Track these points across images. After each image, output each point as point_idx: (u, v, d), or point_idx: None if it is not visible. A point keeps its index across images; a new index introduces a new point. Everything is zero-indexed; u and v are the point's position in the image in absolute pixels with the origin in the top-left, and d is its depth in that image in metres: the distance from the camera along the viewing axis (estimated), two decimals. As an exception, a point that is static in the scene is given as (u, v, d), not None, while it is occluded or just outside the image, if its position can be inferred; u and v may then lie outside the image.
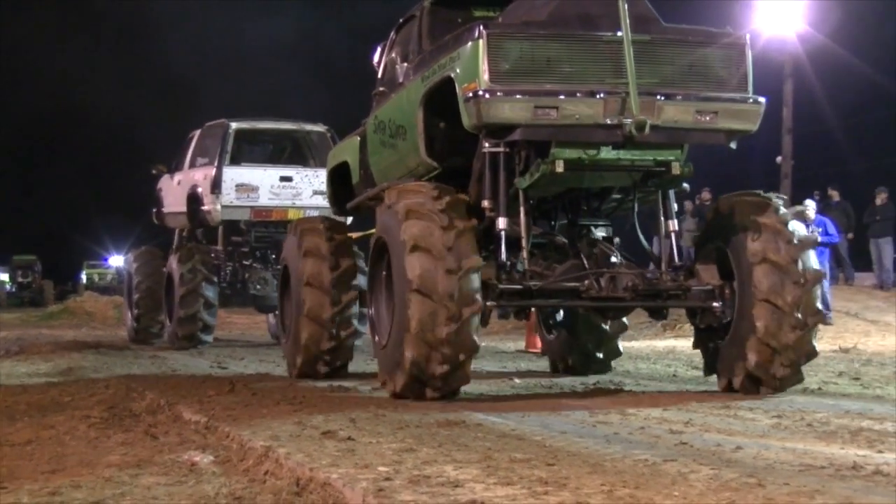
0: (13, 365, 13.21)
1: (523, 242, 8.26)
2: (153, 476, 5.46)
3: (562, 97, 7.71)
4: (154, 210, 19.39)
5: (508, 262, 8.14)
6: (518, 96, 7.69)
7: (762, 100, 8.12)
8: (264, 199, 16.79)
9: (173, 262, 16.35)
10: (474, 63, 7.76)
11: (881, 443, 5.82)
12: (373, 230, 12.85)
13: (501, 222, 8.11)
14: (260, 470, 5.28)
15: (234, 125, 17.00)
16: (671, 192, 8.74)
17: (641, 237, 9.25)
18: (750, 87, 8.09)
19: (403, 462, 5.05)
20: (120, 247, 60.36)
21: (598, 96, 7.72)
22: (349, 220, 13.28)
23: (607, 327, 10.57)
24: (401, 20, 10.10)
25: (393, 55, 9.87)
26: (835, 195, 23.13)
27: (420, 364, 7.57)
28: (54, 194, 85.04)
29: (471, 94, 7.74)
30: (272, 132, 18.14)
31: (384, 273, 8.50)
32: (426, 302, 7.44)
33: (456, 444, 5.72)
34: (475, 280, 7.60)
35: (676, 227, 8.71)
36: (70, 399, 9.19)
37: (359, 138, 10.67)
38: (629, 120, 7.65)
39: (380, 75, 10.33)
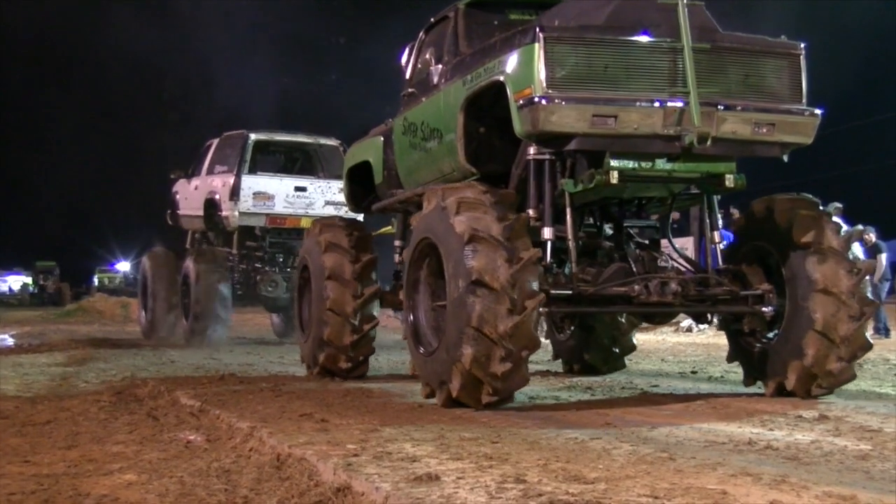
0: (35, 356, 13.07)
1: (571, 247, 6.93)
2: (154, 451, 5.44)
3: (621, 106, 6.43)
4: (169, 211, 18.54)
5: (554, 267, 6.97)
6: (576, 104, 6.37)
7: (818, 112, 6.89)
8: (279, 207, 15.93)
9: (189, 263, 15.56)
10: (529, 67, 6.46)
11: (772, 422, 5.86)
12: (387, 228, 12.21)
13: (547, 232, 6.82)
14: (245, 447, 5.26)
15: (253, 136, 16.17)
16: (715, 200, 7.42)
17: (670, 240, 7.98)
18: (804, 99, 6.87)
19: (369, 441, 5.03)
20: (127, 254, 60.05)
21: (657, 105, 6.48)
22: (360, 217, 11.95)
23: (623, 321, 9.30)
24: (431, 20, 8.69)
25: (426, 56, 8.50)
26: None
27: (480, 361, 6.15)
28: (72, 207, 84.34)
29: (525, 101, 6.45)
30: (288, 144, 17.26)
31: (427, 278, 7.20)
32: (487, 294, 6.11)
33: (414, 425, 5.70)
34: (534, 271, 6.32)
35: (720, 239, 7.44)
36: (84, 385, 9.11)
37: (382, 138, 9.26)
38: (690, 131, 6.46)
39: (408, 76, 8.90)
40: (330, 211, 15.48)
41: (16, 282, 65.88)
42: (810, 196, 7.33)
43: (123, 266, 62.42)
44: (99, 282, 61.03)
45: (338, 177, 15.24)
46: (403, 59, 9.07)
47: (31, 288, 61.94)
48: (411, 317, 7.25)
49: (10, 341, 17.51)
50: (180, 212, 17.99)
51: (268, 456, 4.91)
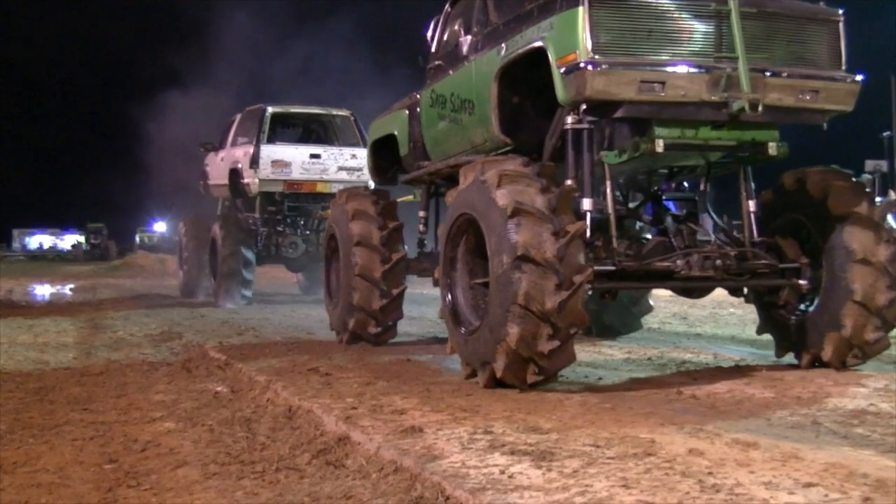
0: (89, 312, 13.14)
1: (612, 221, 5.90)
2: (188, 401, 5.52)
3: (668, 71, 5.45)
4: (201, 182, 17.98)
5: (595, 243, 5.82)
6: (623, 69, 5.38)
7: (859, 78, 5.93)
8: (296, 174, 15.12)
9: (216, 228, 14.99)
10: (573, 32, 5.41)
11: (697, 372, 5.97)
12: (409, 196, 11.53)
13: (587, 203, 5.75)
14: (263, 398, 5.32)
15: (270, 109, 15.48)
16: (749, 169, 6.29)
17: (711, 213, 6.63)
18: (843, 65, 5.92)
19: (365, 394, 5.09)
20: (163, 216, 59.44)
21: (705, 71, 5.49)
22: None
23: None
24: None
25: (454, 28, 7.36)
26: None
27: (527, 339, 5.09)
28: (117, 173, 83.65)
29: (570, 67, 5.43)
30: (303, 115, 16.55)
31: (465, 255, 6.03)
32: (533, 269, 5.06)
33: (402, 378, 5.75)
34: (581, 245, 5.24)
35: (756, 208, 6.30)
36: (129, 338, 9.18)
37: (407, 111, 8.17)
38: (739, 98, 5.49)
39: (434, 49, 7.79)
40: (343, 176, 15.08)
41: (71, 240, 66.03)
42: (841, 168, 6.46)
43: (160, 227, 61.95)
44: (140, 240, 60.71)
45: (351, 144, 15.36)
46: (429, 33, 7.98)
47: (84, 246, 61.89)
48: (449, 296, 6.07)
49: (69, 294, 17.56)
50: (210, 182, 17.52)
51: (281, 407, 4.96)
